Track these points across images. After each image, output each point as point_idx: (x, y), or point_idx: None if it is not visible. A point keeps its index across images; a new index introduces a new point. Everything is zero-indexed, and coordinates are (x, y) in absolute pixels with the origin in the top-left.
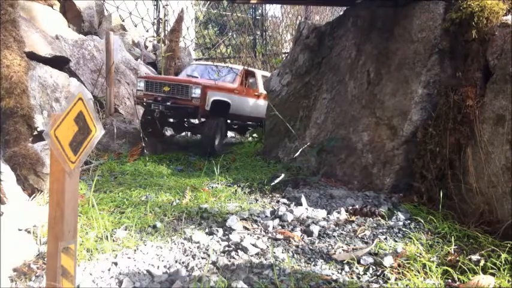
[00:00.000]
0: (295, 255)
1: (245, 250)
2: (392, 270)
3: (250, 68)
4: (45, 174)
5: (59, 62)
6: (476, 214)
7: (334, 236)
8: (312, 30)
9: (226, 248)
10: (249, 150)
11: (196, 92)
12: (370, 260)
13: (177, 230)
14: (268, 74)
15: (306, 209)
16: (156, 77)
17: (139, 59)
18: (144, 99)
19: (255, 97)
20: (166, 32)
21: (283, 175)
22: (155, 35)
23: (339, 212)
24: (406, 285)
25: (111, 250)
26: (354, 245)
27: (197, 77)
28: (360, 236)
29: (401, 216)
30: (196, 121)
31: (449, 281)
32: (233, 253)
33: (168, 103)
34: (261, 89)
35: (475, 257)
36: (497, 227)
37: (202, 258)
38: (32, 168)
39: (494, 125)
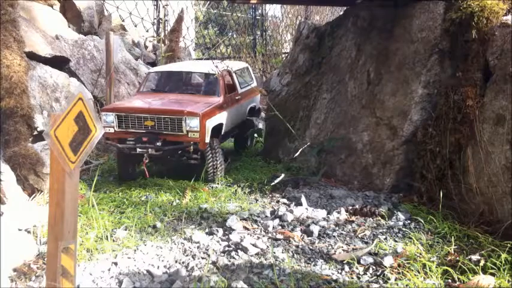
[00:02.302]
0: (295, 255)
1: (245, 250)
2: (392, 270)
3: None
4: (45, 174)
5: (59, 62)
6: (476, 214)
7: (334, 236)
8: (312, 30)
9: (226, 248)
10: (248, 151)
11: (193, 125)
12: (370, 260)
13: (177, 230)
14: (243, 64)
15: (306, 209)
16: (131, 107)
17: (139, 59)
18: (117, 139)
19: (237, 102)
20: (166, 32)
21: (283, 175)
22: (155, 35)
23: (339, 212)
24: (406, 285)
25: (111, 250)
26: (354, 245)
27: (173, 98)
28: (360, 236)
29: (401, 216)
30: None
31: (449, 281)
32: (233, 253)
33: (159, 143)
34: (239, 88)
35: (475, 257)
36: (497, 227)
37: (202, 258)
38: (32, 168)
39: (494, 125)
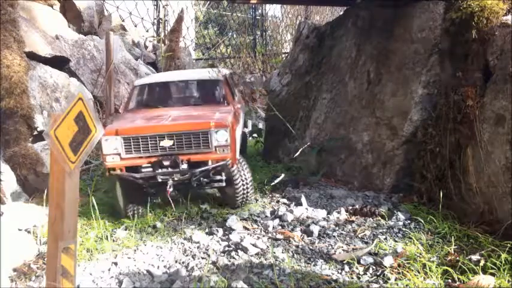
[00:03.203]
0: (295, 255)
1: (245, 250)
2: (392, 270)
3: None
4: (45, 174)
5: (59, 62)
6: (476, 214)
7: (334, 236)
8: (312, 30)
9: (226, 248)
10: (248, 150)
11: (222, 138)
12: (370, 260)
13: (177, 230)
14: (226, 71)
15: (306, 209)
16: (142, 126)
17: (139, 59)
18: (125, 168)
19: (238, 110)
20: (166, 32)
21: (283, 175)
22: (155, 35)
23: (339, 212)
24: (406, 285)
25: (111, 250)
26: (354, 245)
27: (180, 112)
28: (360, 236)
29: (401, 216)
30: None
31: (449, 281)
32: (233, 253)
33: (184, 165)
34: (236, 97)
35: (475, 257)
36: (497, 227)
37: (202, 258)
38: (32, 168)
39: (494, 125)
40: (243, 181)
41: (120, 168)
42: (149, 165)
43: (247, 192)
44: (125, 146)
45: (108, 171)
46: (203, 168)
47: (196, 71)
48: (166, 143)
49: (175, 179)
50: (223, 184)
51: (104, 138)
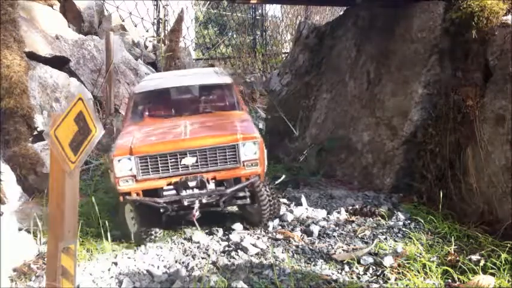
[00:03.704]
0: (295, 255)
1: (245, 250)
2: (392, 270)
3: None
4: (45, 174)
5: (59, 62)
6: (476, 214)
7: (334, 236)
8: (312, 30)
9: (226, 248)
10: None
11: (251, 152)
12: (370, 260)
13: (177, 230)
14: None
15: (306, 209)
16: (159, 143)
17: (139, 59)
18: (141, 192)
19: None
20: (166, 32)
21: (284, 176)
22: (155, 35)
23: (339, 212)
24: (406, 285)
25: (111, 250)
26: (354, 245)
27: (194, 122)
28: (360, 236)
29: (401, 216)
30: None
31: (449, 281)
32: (233, 253)
33: (211, 185)
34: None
35: (475, 257)
36: (497, 227)
37: (202, 258)
38: (32, 168)
39: (494, 125)
40: (269, 196)
41: (137, 192)
42: (171, 187)
43: (274, 208)
44: (141, 166)
45: (123, 197)
46: (235, 188)
47: (197, 71)
48: (189, 160)
49: (204, 201)
50: (248, 201)
51: (116, 159)
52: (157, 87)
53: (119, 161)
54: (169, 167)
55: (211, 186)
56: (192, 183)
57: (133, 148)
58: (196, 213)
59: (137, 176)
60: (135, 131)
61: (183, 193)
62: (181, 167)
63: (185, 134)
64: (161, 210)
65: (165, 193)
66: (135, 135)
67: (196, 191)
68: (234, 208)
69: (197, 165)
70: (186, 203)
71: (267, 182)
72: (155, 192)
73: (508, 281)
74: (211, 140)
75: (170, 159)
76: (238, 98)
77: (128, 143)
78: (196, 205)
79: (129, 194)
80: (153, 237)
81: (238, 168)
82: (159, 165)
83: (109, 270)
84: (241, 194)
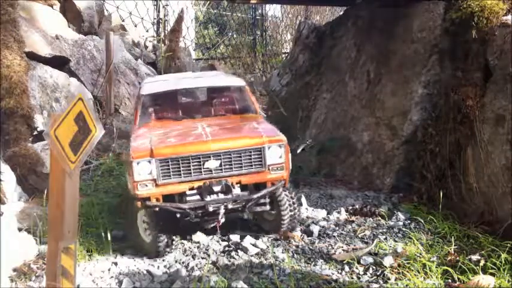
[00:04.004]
0: (295, 255)
1: (245, 250)
2: (393, 270)
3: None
4: (45, 174)
5: (59, 62)
6: (476, 214)
7: (334, 236)
8: (312, 30)
9: (226, 248)
10: None
11: (277, 155)
12: (370, 260)
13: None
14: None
15: (306, 209)
16: (181, 144)
17: (139, 59)
18: (161, 197)
19: None
20: (166, 32)
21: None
22: (155, 35)
23: (339, 212)
24: (406, 285)
25: (111, 250)
26: (354, 245)
27: (211, 124)
28: (360, 236)
29: (401, 216)
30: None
31: (449, 281)
32: (233, 253)
33: (237, 190)
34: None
35: (475, 257)
36: (497, 227)
37: (202, 258)
38: (32, 168)
39: (494, 125)
40: (289, 201)
41: (156, 198)
42: (194, 191)
43: (295, 216)
44: (161, 169)
45: (141, 203)
46: (262, 193)
47: (205, 74)
48: (213, 164)
49: (229, 206)
50: (267, 208)
51: (135, 162)
52: (167, 88)
53: (137, 163)
54: (192, 171)
55: (236, 191)
56: (217, 188)
57: (154, 150)
58: (222, 220)
59: (157, 180)
60: (149, 134)
61: (208, 198)
62: (204, 171)
63: (206, 135)
64: (183, 217)
65: (188, 198)
66: (151, 137)
67: (221, 196)
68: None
69: (220, 169)
70: (210, 209)
71: (290, 188)
72: (172, 198)
73: (508, 281)
74: (236, 142)
75: (193, 162)
76: (252, 100)
77: (147, 145)
78: (222, 211)
79: (148, 199)
80: (170, 245)
81: (263, 172)
82: (181, 168)
83: (109, 270)
84: (261, 200)
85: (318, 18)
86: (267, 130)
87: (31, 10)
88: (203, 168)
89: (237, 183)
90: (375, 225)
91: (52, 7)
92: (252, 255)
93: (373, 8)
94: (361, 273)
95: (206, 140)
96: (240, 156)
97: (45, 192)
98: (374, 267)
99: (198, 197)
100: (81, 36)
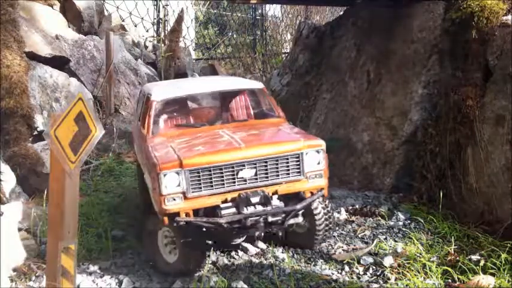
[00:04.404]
0: (295, 255)
1: (245, 250)
2: (392, 270)
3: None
4: (45, 174)
5: (59, 62)
6: (476, 214)
7: (334, 236)
8: (312, 30)
9: (226, 248)
10: None
11: (315, 162)
12: (370, 260)
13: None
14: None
15: None
16: (216, 153)
17: (139, 59)
18: (191, 211)
19: None
20: (166, 32)
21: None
22: (155, 35)
23: (339, 212)
24: (406, 285)
25: (111, 250)
26: (354, 245)
27: (235, 130)
28: (360, 236)
29: (401, 216)
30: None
31: (449, 281)
32: (233, 253)
33: (276, 202)
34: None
35: (475, 257)
36: (497, 227)
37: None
38: (32, 168)
39: (494, 125)
40: (324, 210)
41: (186, 213)
42: (229, 204)
43: (329, 227)
44: (191, 181)
45: (169, 219)
46: (304, 204)
47: (217, 78)
48: (247, 173)
49: (269, 220)
50: (300, 219)
51: (162, 174)
52: (183, 94)
53: (165, 175)
54: (224, 181)
55: (275, 202)
56: (254, 199)
57: (183, 160)
58: (262, 235)
59: (187, 192)
60: (169, 143)
61: (245, 211)
62: (237, 181)
63: (238, 142)
64: (216, 233)
65: (223, 212)
66: (173, 147)
67: (259, 208)
68: None
69: (256, 179)
70: (248, 223)
71: (325, 199)
72: (211, 213)
73: (508, 281)
74: (273, 148)
75: (226, 171)
76: (273, 103)
77: (173, 154)
78: (261, 225)
79: (177, 214)
80: (203, 263)
81: (301, 181)
82: (213, 179)
83: (109, 270)
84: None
85: (318, 18)
86: (302, 134)
87: (31, 10)
88: (237, 178)
89: (273, 194)
90: (375, 225)
91: (52, 7)
92: (252, 255)
93: (373, 8)
94: (361, 273)
95: (240, 146)
96: (277, 164)
97: (45, 192)
98: (374, 267)
99: (233, 210)
100: (81, 36)
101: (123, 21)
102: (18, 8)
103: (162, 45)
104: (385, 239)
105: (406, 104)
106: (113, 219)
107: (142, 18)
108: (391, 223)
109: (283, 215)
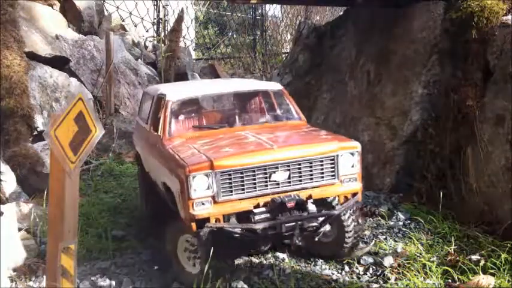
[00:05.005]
0: (295, 255)
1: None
2: (393, 270)
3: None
4: (45, 174)
5: (59, 62)
6: (476, 214)
7: None
8: (312, 30)
9: None
10: None
11: (350, 164)
12: (370, 260)
13: None
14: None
15: None
16: (249, 154)
17: (139, 59)
18: (221, 217)
19: None
20: (166, 32)
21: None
22: (155, 35)
23: None
24: (406, 285)
25: (111, 250)
26: None
27: (258, 132)
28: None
29: (401, 216)
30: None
31: (449, 281)
32: None
33: (312, 207)
34: None
35: (475, 257)
36: (497, 227)
37: None
38: (32, 168)
39: (494, 125)
40: (352, 216)
41: (217, 218)
42: (263, 209)
43: (359, 235)
44: (222, 184)
45: (197, 225)
46: (342, 209)
47: (232, 80)
48: (281, 176)
49: (306, 226)
50: (327, 228)
51: (191, 176)
52: (199, 93)
53: (193, 177)
54: (256, 185)
55: (312, 207)
56: (290, 203)
57: (214, 161)
58: (297, 242)
59: (217, 196)
60: (191, 145)
61: (281, 217)
62: (270, 184)
63: (267, 143)
64: (249, 240)
65: (256, 217)
66: (197, 148)
67: (295, 213)
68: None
69: (289, 182)
70: (284, 230)
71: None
72: (242, 218)
73: (508, 281)
74: (308, 150)
75: (258, 174)
76: (293, 105)
77: (200, 156)
78: (297, 232)
79: (207, 220)
80: (233, 271)
81: (335, 184)
82: (245, 182)
83: (109, 270)
84: (319, 218)
85: (318, 18)
86: (333, 136)
87: (31, 10)
88: (269, 182)
89: (307, 198)
90: (375, 225)
91: (52, 7)
92: (252, 255)
93: (373, 8)
94: (361, 273)
95: (272, 147)
96: (311, 167)
97: (45, 192)
98: (374, 267)
99: (268, 215)
100: (81, 36)
101: (123, 21)
102: (18, 8)
103: (162, 45)
104: (385, 239)
105: (406, 104)
106: (113, 219)
107: (142, 18)
108: (391, 223)
109: (320, 221)
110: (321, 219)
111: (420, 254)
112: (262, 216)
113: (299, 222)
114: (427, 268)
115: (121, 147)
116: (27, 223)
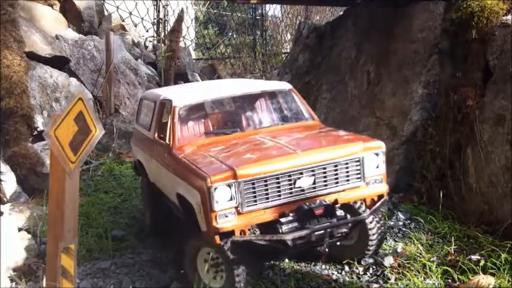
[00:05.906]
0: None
1: None
2: (392, 270)
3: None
4: (45, 174)
5: (59, 62)
6: (476, 214)
7: None
8: (312, 30)
9: None
10: None
11: (375, 165)
12: (370, 260)
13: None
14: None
15: None
16: (272, 160)
17: (139, 59)
18: (246, 229)
19: None
20: (166, 32)
21: None
22: (155, 35)
23: None
24: (406, 285)
25: (111, 250)
26: None
27: (274, 136)
28: None
29: (401, 216)
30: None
31: (449, 281)
32: None
33: (340, 212)
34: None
35: (475, 257)
36: (497, 227)
37: None
38: (32, 168)
39: (494, 125)
40: (376, 218)
41: (242, 230)
42: (290, 218)
43: (383, 238)
44: (246, 194)
45: (220, 238)
46: (371, 211)
47: (237, 80)
48: (306, 181)
49: (336, 234)
50: (348, 233)
51: (213, 187)
52: (207, 97)
53: (215, 189)
54: (281, 192)
55: (340, 213)
56: (318, 210)
57: (237, 170)
58: (327, 251)
59: (241, 207)
60: (206, 153)
61: (310, 225)
62: (294, 192)
63: (289, 148)
64: (277, 251)
65: (284, 227)
66: (215, 155)
67: (323, 220)
68: None
69: (314, 187)
70: (314, 239)
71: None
72: (267, 228)
73: (508, 281)
74: (332, 152)
75: (282, 181)
76: (304, 104)
77: (220, 164)
78: (327, 240)
79: (232, 233)
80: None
81: (360, 187)
82: (269, 190)
83: (109, 269)
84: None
85: (318, 18)
86: (355, 136)
87: (31, 10)
88: (294, 188)
89: (333, 204)
90: None
91: (52, 7)
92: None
93: (373, 8)
94: (361, 273)
95: (296, 152)
96: (336, 170)
97: (45, 192)
98: (374, 267)
99: (296, 224)
100: (81, 36)
101: (123, 21)
102: (18, 8)
103: (162, 45)
104: (385, 239)
105: (406, 104)
106: (113, 219)
107: (142, 18)
108: (391, 223)
109: (349, 227)
110: (349, 224)
111: (420, 254)
112: (290, 225)
113: (328, 230)
114: (427, 268)
115: (121, 147)
116: (27, 223)
